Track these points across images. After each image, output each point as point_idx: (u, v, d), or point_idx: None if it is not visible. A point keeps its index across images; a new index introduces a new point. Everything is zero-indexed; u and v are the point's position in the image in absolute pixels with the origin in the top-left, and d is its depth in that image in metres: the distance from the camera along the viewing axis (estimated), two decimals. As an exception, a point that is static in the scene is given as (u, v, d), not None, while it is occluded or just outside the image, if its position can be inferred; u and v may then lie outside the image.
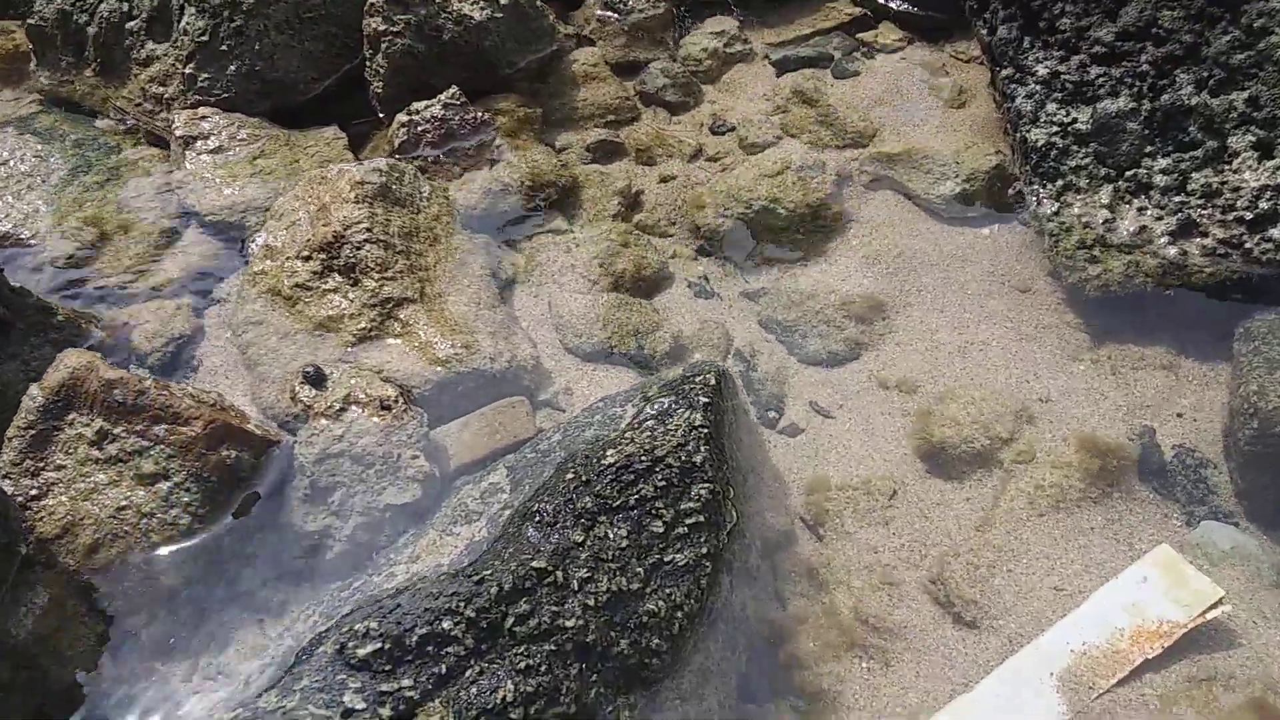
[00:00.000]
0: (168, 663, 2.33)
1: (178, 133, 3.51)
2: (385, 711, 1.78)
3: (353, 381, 2.68)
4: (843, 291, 3.14)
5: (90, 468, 2.39)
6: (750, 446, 2.74)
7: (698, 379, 2.57)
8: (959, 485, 2.69)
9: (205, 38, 3.58)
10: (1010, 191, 3.31)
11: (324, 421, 2.60)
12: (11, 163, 3.51)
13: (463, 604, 1.93)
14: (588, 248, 3.26)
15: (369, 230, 2.90)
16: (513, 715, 1.84)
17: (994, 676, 2.25)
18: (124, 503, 2.35)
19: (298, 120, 3.69)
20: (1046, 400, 2.79)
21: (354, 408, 2.61)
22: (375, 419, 2.60)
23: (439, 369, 2.74)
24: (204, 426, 2.39)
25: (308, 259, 2.94)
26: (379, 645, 1.86)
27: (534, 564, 2.01)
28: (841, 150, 3.57)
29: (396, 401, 2.63)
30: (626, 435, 2.37)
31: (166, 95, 3.69)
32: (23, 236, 3.26)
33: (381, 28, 3.52)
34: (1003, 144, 3.44)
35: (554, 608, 1.97)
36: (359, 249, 2.88)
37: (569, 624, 1.96)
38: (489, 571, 1.99)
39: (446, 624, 1.91)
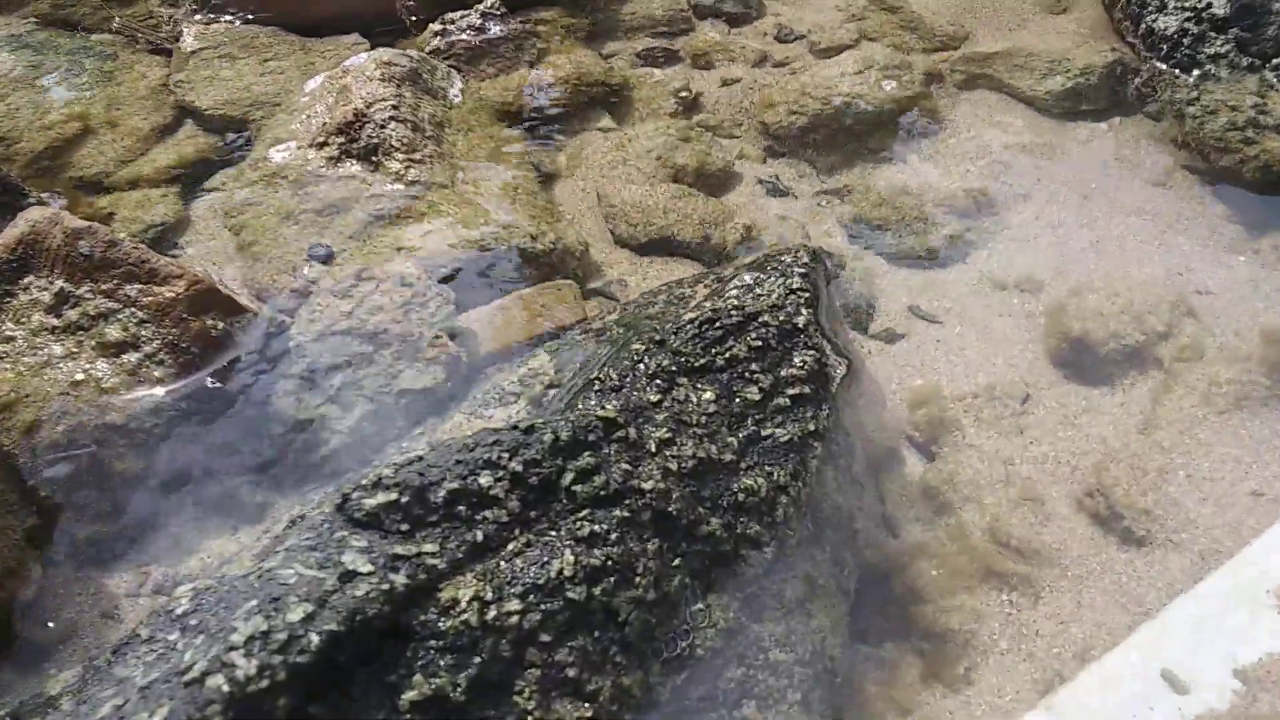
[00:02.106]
0: (110, 571, 1.84)
1: (185, 38, 3.14)
2: (398, 578, 1.29)
3: (368, 257, 2.23)
4: (943, 188, 2.68)
5: (44, 338, 1.93)
6: (844, 347, 2.25)
7: (785, 255, 2.10)
8: (1107, 387, 2.18)
9: (217, -63, 3.22)
10: (1134, 84, 2.86)
11: (331, 297, 2.14)
12: (1, 69, 3.13)
13: (506, 455, 1.44)
14: (641, 143, 2.82)
15: (395, 109, 2.48)
16: (572, 594, 1.34)
17: (1188, 598, 1.72)
18: (80, 376, 1.89)
19: (311, 34, 3.30)
20: (1206, 293, 2.29)
21: (367, 283, 2.16)
22: (393, 295, 2.14)
23: (472, 248, 2.29)
24: (187, 287, 1.93)
25: (322, 145, 2.52)
26: (393, 497, 1.37)
27: (599, 413, 1.52)
28: (929, 54, 3.15)
29: (418, 279, 2.17)
30: (705, 304, 1.90)
31: (176, 16, 3.33)
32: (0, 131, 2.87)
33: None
34: (1117, 43, 3.01)
35: (626, 466, 1.48)
36: (383, 128, 2.45)
37: (645, 486, 1.47)
38: (539, 420, 1.50)
39: (485, 479, 1.42)
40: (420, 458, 1.45)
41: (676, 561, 1.46)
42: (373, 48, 3.19)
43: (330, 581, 1.26)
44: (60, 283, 1.95)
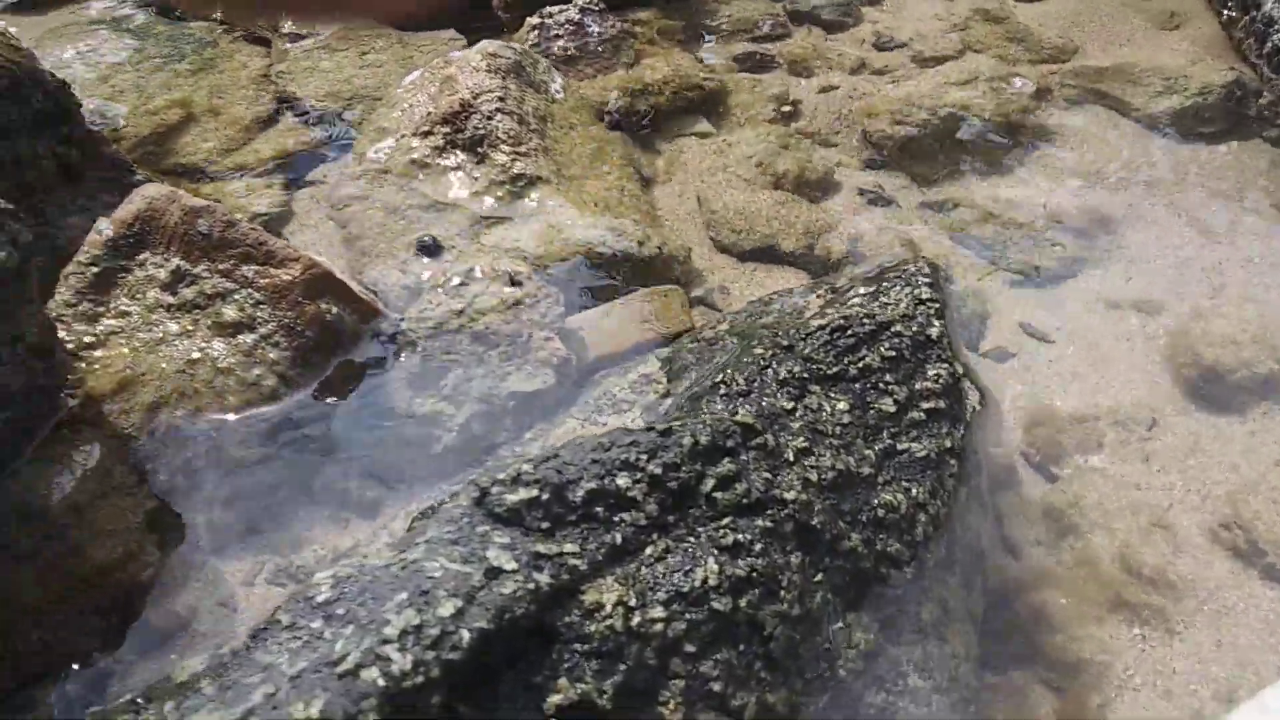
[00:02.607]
0: (226, 558, 1.82)
1: (285, 29, 3.15)
2: (543, 577, 1.24)
3: (476, 254, 2.21)
4: (1053, 204, 2.61)
5: (160, 315, 1.93)
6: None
7: (905, 266, 2.04)
8: (1238, 416, 2.10)
9: (320, -72, 3.24)
10: (1256, 105, 2.76)
11: (440, 294, 2.12)
12: (102, 51, 3.17)
13: (644, 457, 1.40)
14: (741, 149, 2.78)
15: (501, 100, 2.46)
16: (716, 604, 1.29)
17: (1340, 641, 1.63)
18: (196, 355, 1.88)
19: (407, 29, 3.31)
20: (1340, 323, 2.20)
21: (477, 281, 2.13)
22: (502, 294, 2.10)
23: (579, 249, 2.25)
24: (303, 271, 1.92)
25: (427, 134, 2.50)
26: (534, 494, 1.33)
27: (738, 418, 1.47)
28: (1036, 65, 3.07)
29: (529, 278, 2.14)
30: (828, 311, 1.85)
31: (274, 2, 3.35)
32: (106, 114, 2.89)
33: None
34: (1236, 62, 2.91)
35: (766, 475, 1.43)
36: (490, 119, 2.43)
37: (788, 496, 1.41)
38: (677, 423, 1.45)
39: (622, 480, 1.37)
40: (556, 455, 1.41)
41: (818, 577, 1.41)
42: (469, 44, 3.19)
43: (476, 577, 1.22)
44: (177, 260, 1.94)
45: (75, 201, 2.27)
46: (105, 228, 1.97)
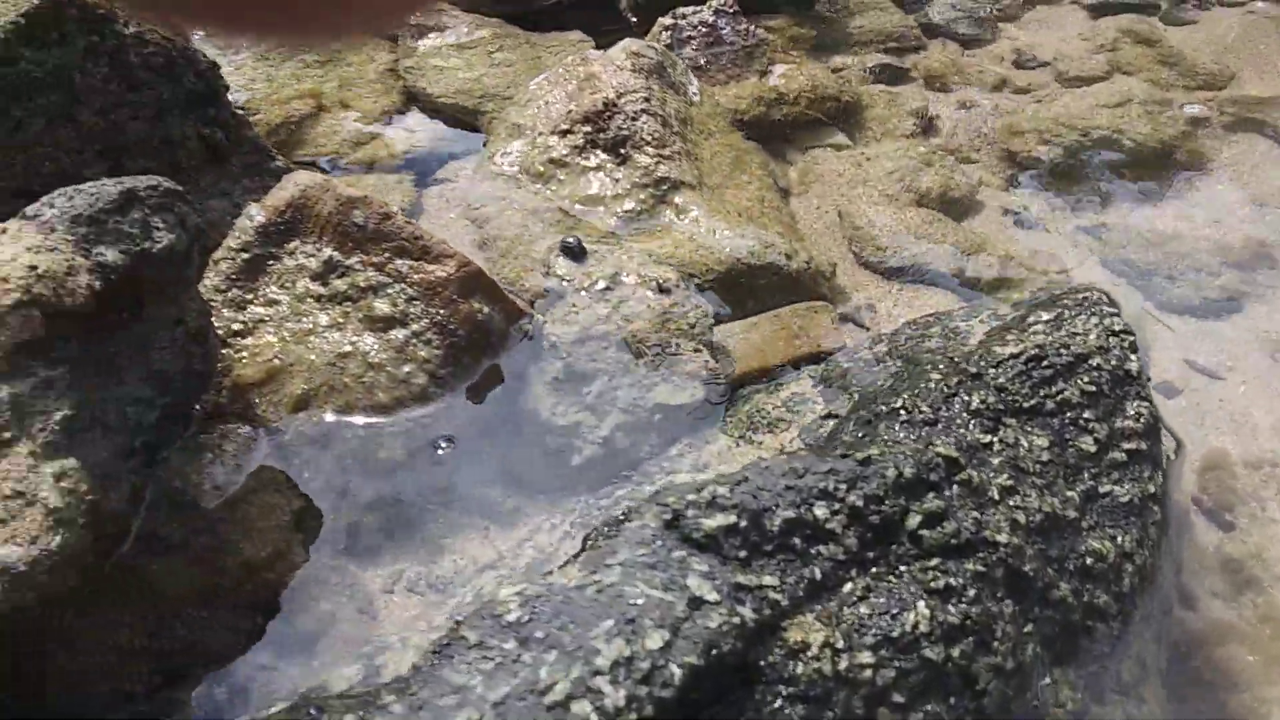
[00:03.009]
0: (365, 563, 1.76)
1: (413, 21, 3.13)
2: (746, 611, 1.16)
3: (621, 258, 2.14)
4: (1213, 235, 2.47)
5: (309, 305, 1.89)
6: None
7: (1079, 294, 1.92)
8: None
9: (452, -77, 3.21)
10: None
11: (585, 298, 2.05)
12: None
13: (843, 487, 1.31)
14: (881, 163, 2.68)
15: (646, 101, 2.39)
16: (928, 652, 1.19)
17: None
18: (347, 348, 1.83)
19: (531, 29, 3.27)
20: None
21: (623, 286, 2.06)
22: (650, 302, 2.03)
23: (724, 260, 2.17)
24: (458, 268, 1.86)
25: (566, 133, 2.44)
26: (732, 520, 1.25)
27: (941, 450, 1.37)
28: (1191, 91, 2.92)
29: (677, 285, 2.06)
30: (1009, 336, 1.74)
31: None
32: (238, 103, 2.88)
33: (655, -85, 3.09)
34: None
35: (975, 514, 1.33)
36: (634, 120, 2.36)
37: (1000, 539, 1.31)
38: (876, 452, 1.36)
39: (820, 511, 1.28)
40: (746, 478, 1.33)
41: (1028, 628, 1.30)
42: (596, 45, 3.14)
43: (680, 607, 1.14)
44: (329, 251, 1.90)
45: (218, 185, 2.25)
46: (256, 213, 1.94)
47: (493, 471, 1.92)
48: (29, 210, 1.45)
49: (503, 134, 2.61)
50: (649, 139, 2.34)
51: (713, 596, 1.17)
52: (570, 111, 2.45)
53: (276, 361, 1.84)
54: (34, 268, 1.35)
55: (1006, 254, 2.42)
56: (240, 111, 2.28)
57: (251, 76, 3.00)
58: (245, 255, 1.92)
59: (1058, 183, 2.69)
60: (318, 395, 1.81)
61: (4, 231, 1.42)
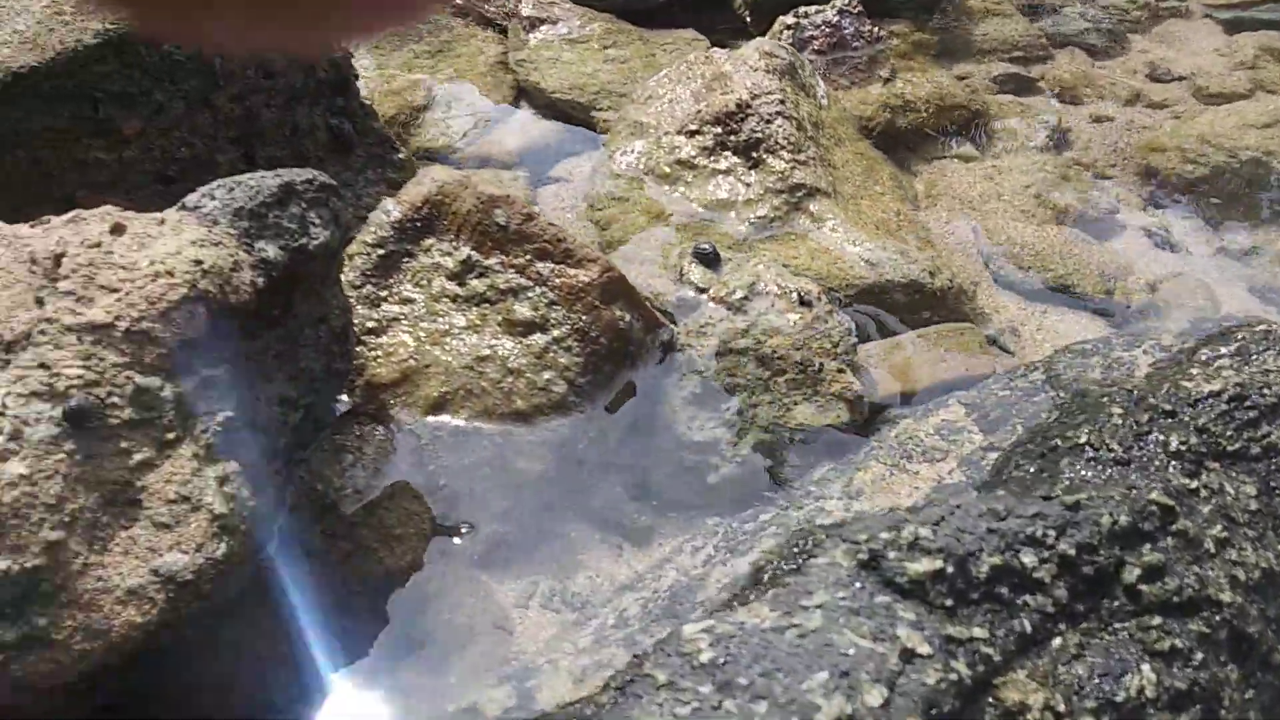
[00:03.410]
0: (499, 575, 1.70)
1: (523, 12, 3.07)
2: (960, 666, 1.07)
3: (758, 268, 2.05)
4: (1380, 269, 2.31)
5: (445, 305, 1.83)
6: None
7: (1259, 327, 1.79)
8: None
9: (566, -85, 3.15)
10: None
11: (722, 310, 1.97)
12: (341, 23, 3.13)
13: (1052, 534, 1.21)
14: (1015, 177, 2.56)
15: (782, 103, 2.30)
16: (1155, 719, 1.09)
17: None
18: (485, 352, 1.77)
19: (642, 25, 3.19)
20: None
21: (761, 298, 1.97)
22: (791, 315, 1.94)
23: (864, 275, 2.07)
24: (601, 273, 1.79)
25: (695, 133, 2.36)
26: (939, 565, 1.15)
27: (1154, 497, 1.27)
28: (1344, 111, 2.76)
29: (819, 299, 1.97)
30: (1193, 372, 1.62)
31: (509, -15, 3.27)
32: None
33: (780, -87, 3.00)
34: None
35: (1195, 568, 1.22)
36: (769, 123, 2.28)
37: (1223, 598, 1.20)
38: (1085, 496, 1.26)
39: (1027, 558, 1.19)
40: (942, 519, 1.23)
41: (1249, 694, 1.20)
42: (710, 45, 3.05)
43: (893, 660, 1.05)
44: (467, 250, 1.84)
45: (341, 176, 2.20)
46: (393, 209, 1.88)
47: (626, 486, 1.84)
48: (188, 201, 1.40)
49: (623, 132, 2.54)
50: (784, 143, 2.25)
51: (925, 649, 1.08)
52: (699, 111, 2.37)
53: (412, 362, 1.78)
54: (199, 262, 1.29)
55: (1154, 278, 2.30)
56: (368, 102, 2.23)
57: (363, 64, 2.96)
58: (380, 251, 1.87)
59: (1201, 204, 2.55)
60: (454, 399, 1.75)
61: (163, 223, 1.37)
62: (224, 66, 1.86)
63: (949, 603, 1.15)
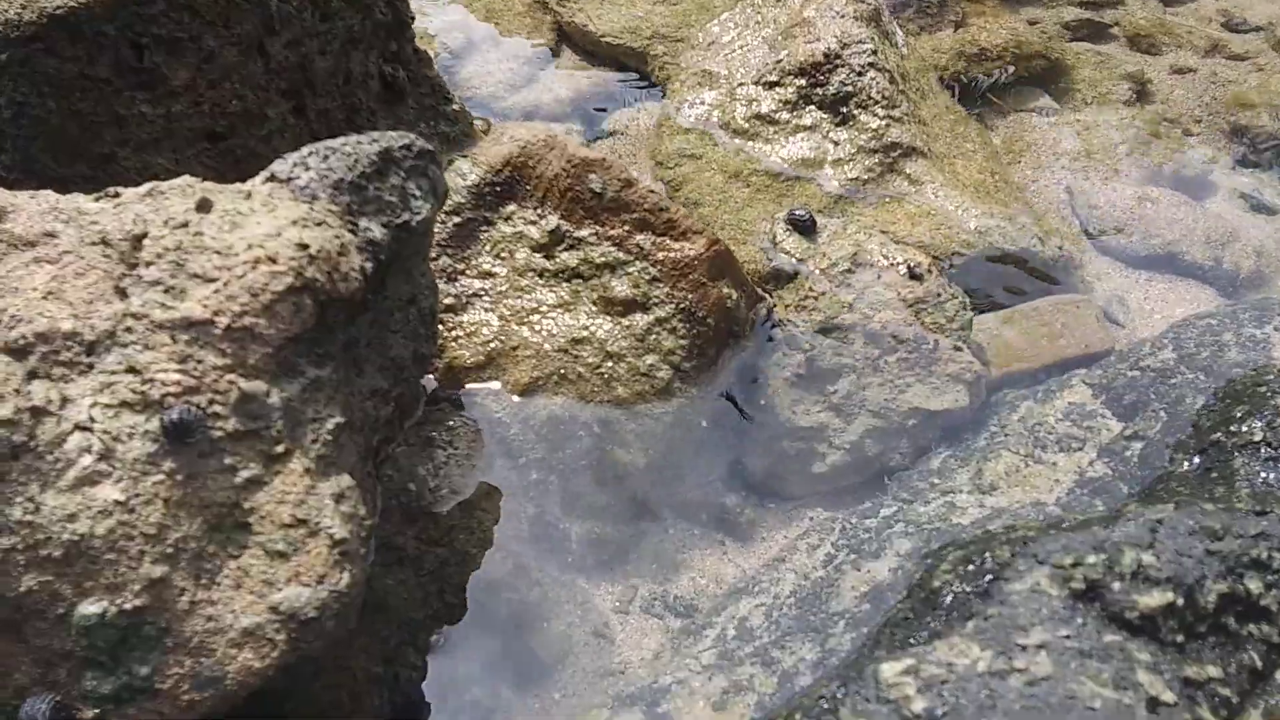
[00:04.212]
0: (596, 579, 1.56)
1: (560, -56, 2.82)
2: (1204, 712, 0.96)
3: (858, 235, 1.89)
4: None
5: (531, 280, 1.65)
6: None
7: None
8: None
9: None
10: None
11: (824, 282, 1.81)
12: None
13: (1278, 556, 1.09)
14: (1103, 133, 2.41)
15: (874, 54, 2.11)
16: None
17: None
18: (581, 334, 1.60)
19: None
20: None
21: (866, 269, 1.82)
22: (900, 289, 1.79)
23: (971, 243, 1.92)
24: (707, 246, 1.62)
25: (774, 84, 2.17)
26: (1169, 598, 1.03)
27: (1377, 511, 1.15)
28: None
29: (929, 271, 1.82)
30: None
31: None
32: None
33: None
34: None
35: None
36: (860, 75, 2.09)
37: None
38: (1307, 509, 1.14)
39: (1253, 584, 1.07)
40: (1153, 537, 1.11)
41: None
42: (768, -16, 2.84)
43: (1140, 713, 0.93)
44: (554, 218, 1.66)
45: (394, 129, 1.99)
46: (468, 171, 1.70)
47: (728, 478, 1.70)
48: (278, 171, 1.21)
49: (689, 82, 2.34)
50: (877, 97, 2.08)
51: (1168, 696, 0.96)
52: (780, 61, 2.17)
53: (497, 343, 1.61)
54: (304, 246, 1.11)
55: (1258, 244, 2.17)
56: (422, 49, 2.01)
57: (390, 3, 2.71)
58: (456, 219, 1.68)
59: (1294, 163, 2.42)
60: (546, 385, 1.59)
61: (249, 196, 1.18)
62: (280, 8, 1.64)
63: (1179, 638, 1.03)
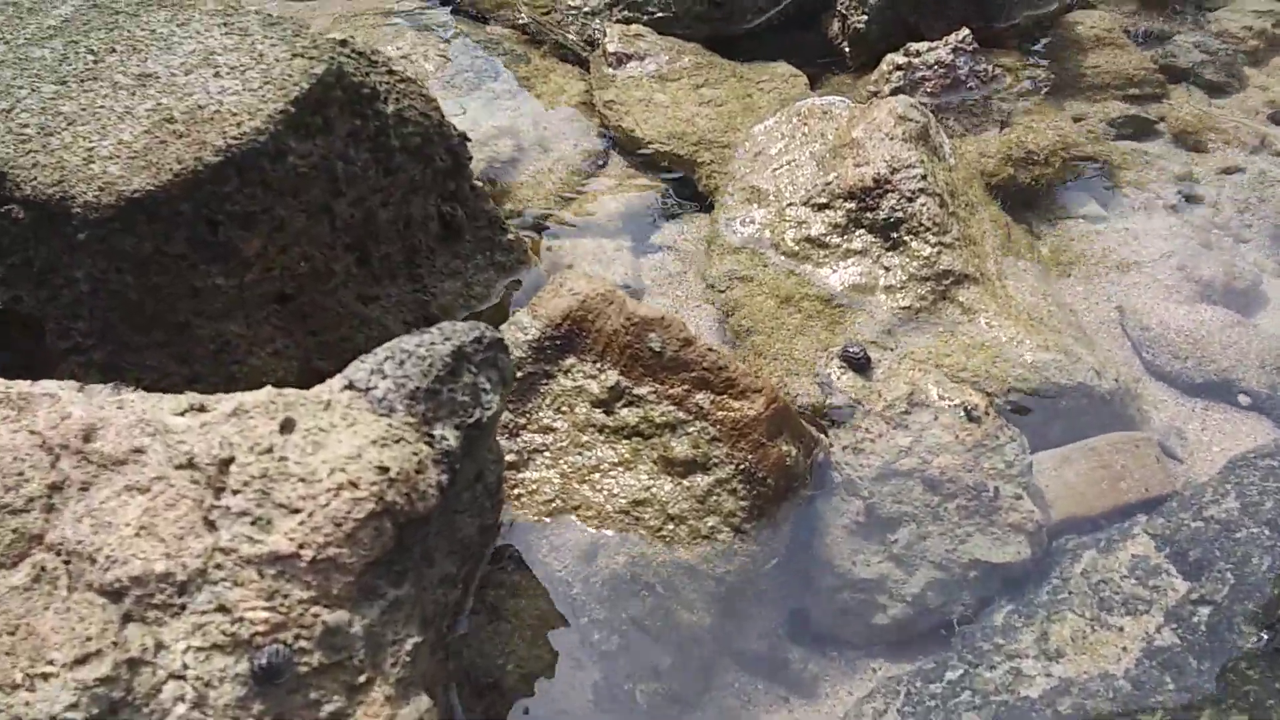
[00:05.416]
0: (661, 738, 1.57)
1: (609, 49, 2.87)
2: None
3: (914, 374, 1.89)
4: None
5: (592, 436, 1.67)
6: None
7: None
8: None
9: (651, -60, 2.93)
10: None
11: (880, 423, 1.82)
12: (414, 57, 2.93)
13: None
14: (1152, 242, 2.40)
15: (924, 179, 2.12)
16: None
17: None
18: (642, 495, 1.62)
19: (730, 53, 2.98)
20: None
21: (923, 410, 1.82)
22: (958, 431, 1.79)
23: (1028, 378, 1.92)
24: (766, 405, 1.63)
25: (824, 207, 2.19)
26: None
27: None
28: None
29: (986, 412, 1.82)
30: None
31: (585, 8, 3.05)
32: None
33: (887, -58, 2.79)
34: None
35: None
36: (911, 200, 2.10)
37: None
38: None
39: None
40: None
41: None
42: (811, 83, 2.86)
43: None
44: (614, 375, 1.68)
45: (450, 265, 2.03)
46: (529, 324, 1.72)
47: (789, 629, 1.71)
48: (355, 379, 1.24)
49: (738, 197, 2.36)
50: (928, 224, 2.08)
51: None
52: (830, 183, 2.19)
53: (559, 502, 1.63)
54: (385, 470, 1.14)
55: (1316, 366, 2.14)
56: (479, 183, 2.04)
57: (446, 107, 2.75)
58: (518, 374, 1.70)
59: (1351, 272, 2.40)
60: (608, 546, 1.60)
61: (327, 407, 1.21)
62: (346, 170, 1.68)
63: None
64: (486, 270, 2.09)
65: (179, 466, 1.14)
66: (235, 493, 1.12)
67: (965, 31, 2.71)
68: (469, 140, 1.98)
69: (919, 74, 2.70)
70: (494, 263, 2.10)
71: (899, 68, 2.71)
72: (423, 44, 2.98)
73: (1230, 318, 2.20)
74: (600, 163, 2.67)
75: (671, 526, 1.61)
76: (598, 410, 1.68)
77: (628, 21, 2.98)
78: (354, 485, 1.12)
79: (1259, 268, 2.44)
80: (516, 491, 1.65)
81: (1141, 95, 2.92)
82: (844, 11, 2.93)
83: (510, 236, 2.13)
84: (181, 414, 1.20)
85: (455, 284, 2.03)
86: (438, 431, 1.23)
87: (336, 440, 1.16)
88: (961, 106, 2.69)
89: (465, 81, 2.88)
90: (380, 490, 1.13)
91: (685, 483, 1.62)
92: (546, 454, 1.67)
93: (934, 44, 2.71)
